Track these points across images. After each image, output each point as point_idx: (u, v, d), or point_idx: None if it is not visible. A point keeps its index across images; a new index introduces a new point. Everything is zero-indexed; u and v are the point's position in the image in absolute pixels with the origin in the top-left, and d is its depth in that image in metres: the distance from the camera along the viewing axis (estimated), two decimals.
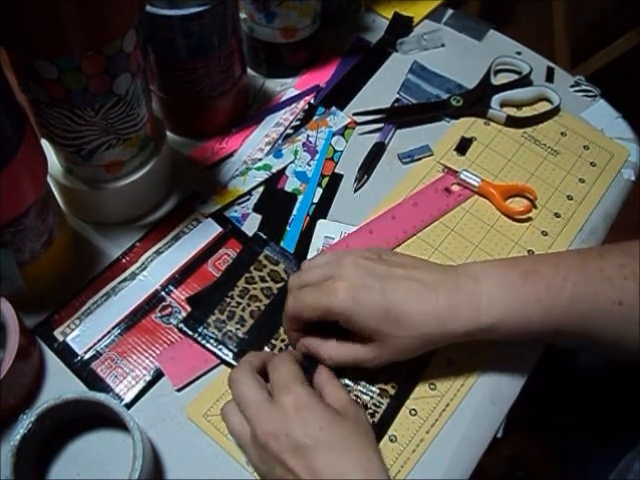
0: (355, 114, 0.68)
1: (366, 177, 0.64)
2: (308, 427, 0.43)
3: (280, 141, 0.66)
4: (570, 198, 0.63)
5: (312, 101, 0.69)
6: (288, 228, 0.60)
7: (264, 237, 0.59)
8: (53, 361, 0.53)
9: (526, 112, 0.69)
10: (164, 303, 0.56)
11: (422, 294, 0.47)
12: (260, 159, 0.65)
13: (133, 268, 0.57)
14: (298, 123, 0.68)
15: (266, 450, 0.43)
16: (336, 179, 0.64)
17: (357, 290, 0.47)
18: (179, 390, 0.52)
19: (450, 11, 0.77)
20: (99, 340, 0.54)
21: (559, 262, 0.50)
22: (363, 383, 0.52)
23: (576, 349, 0.53)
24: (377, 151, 0.66)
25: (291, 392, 0.44)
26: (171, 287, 0.56)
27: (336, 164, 0.65)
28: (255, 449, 0.45)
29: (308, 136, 0.66)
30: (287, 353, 0.50)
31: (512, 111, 0.68)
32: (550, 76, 0.72)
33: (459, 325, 0.47)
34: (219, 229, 0.60)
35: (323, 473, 0.42)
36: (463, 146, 0.66)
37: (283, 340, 0.54)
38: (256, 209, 0.62)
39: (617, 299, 0.47)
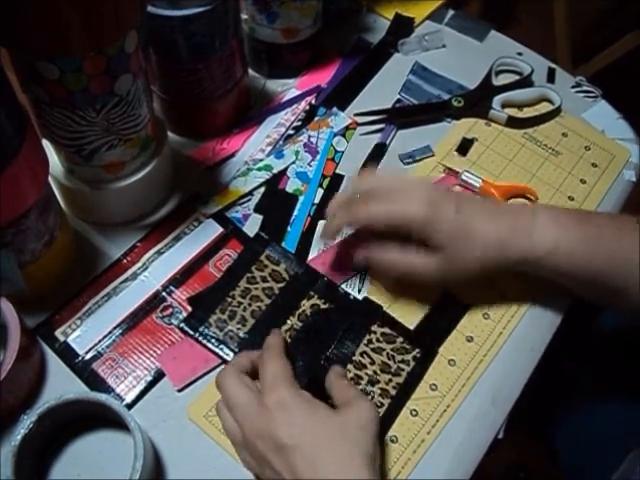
0: (356, 115, 0.68)
1: None
2: (290, 427, 0.43)
3: (281, 142, 0.66)
4: (571, 199, 0.63)
5: (313, 102, 0.69)
6: (289, 229, 0.60)
7: (265, 237, 0.59)
8: (54, 361, 0.53)
9: (527, 113, 0.69)
10: (165, 303, 0.56)
11: (492, 213, 0.51)
12: (261, 160, 0.65)
13: (134, 268, 0.57)
14: (299, 124, 0.68)
15: (254, 450, 0.44)
16: (337, 180, 0.64)
17: (434, 201, 0.50)
18: (180, 390, 0.52)
19: (451, 12, 0.77)
20: (100, 340, 0.54)
21: (614, 217, 0.55)
22: (364, 383, 0.52)
23: (603, 306, 0.56)
24: (378, 152, 0.66)
25: (276, 392, 0.45)
26: (172, 287, 0.56)
27: (337, 165, 0.65)
28: (247, 449, 0.45)
29: (309, 137, 0.66)
30: (275, 346, 0.49)
31: (513, 112, 0.68)
32: (551, 77, 0.72)
33: (514, 250, 0.50)
34: (220, 229, 0.60)
35: (301, 472, 0.42)
36: (464, 147, 0.66)
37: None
38: (257, 210, 0.62)
39: None
